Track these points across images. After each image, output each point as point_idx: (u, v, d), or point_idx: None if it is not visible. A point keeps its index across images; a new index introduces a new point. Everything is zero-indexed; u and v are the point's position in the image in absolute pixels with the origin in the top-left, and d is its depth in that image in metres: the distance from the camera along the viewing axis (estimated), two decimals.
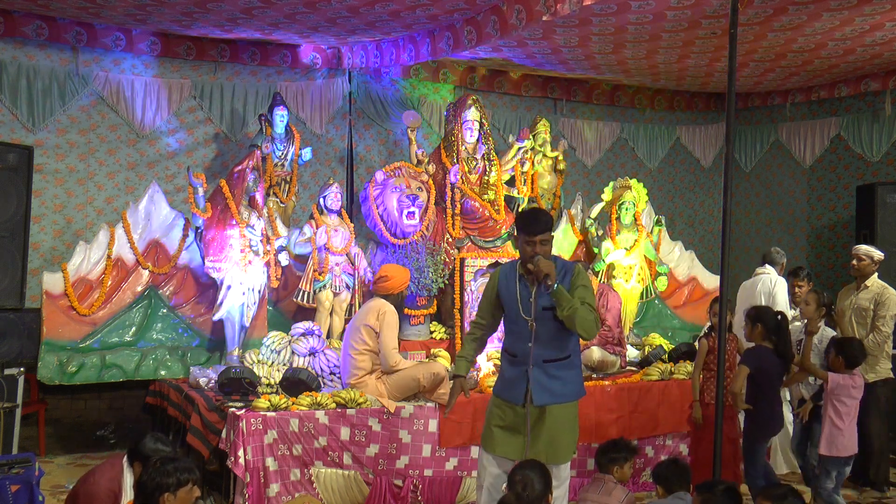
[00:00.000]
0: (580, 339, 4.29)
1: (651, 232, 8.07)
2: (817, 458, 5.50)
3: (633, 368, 6.90)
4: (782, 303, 6.62)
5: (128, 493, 3.80)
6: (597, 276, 7.87)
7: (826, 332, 5.72)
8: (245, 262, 6.38)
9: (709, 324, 6.20)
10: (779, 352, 5.15)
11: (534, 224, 4.12)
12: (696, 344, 5.83)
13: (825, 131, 9.72)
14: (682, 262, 8.42)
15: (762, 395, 5.15)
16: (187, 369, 6.31)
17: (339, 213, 6.89)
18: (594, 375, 6.52)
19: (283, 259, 6.73)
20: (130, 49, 7.62)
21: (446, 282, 6.99)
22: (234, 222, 6.38)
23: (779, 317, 5.22)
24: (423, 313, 6.93)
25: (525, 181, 7.80)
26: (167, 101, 7.85)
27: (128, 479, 3.82)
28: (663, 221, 8.22)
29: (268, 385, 5.87)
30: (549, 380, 4.14)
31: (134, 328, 6.48)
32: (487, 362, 6.43)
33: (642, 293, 7.90)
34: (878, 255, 6.25)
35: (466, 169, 7.31)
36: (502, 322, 4.38)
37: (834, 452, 5.16)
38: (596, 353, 6.66)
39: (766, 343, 5.17)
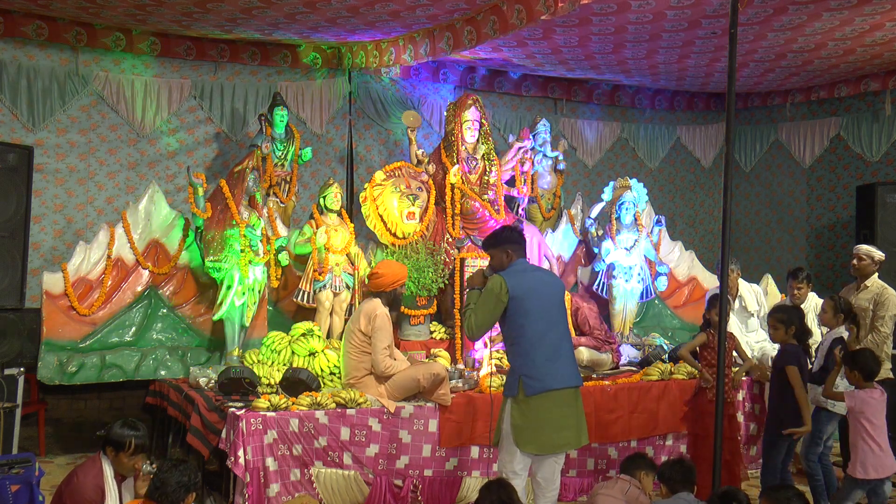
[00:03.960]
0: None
1: (651, 232, 8.07)
2: (810, 465, 5.50)
3: (633, 368, 6.90)
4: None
5: (110, 486, 3.83)
6: (596, 276, 7.89)
7: (833, 334, 5.66)
8: (245, 262, 6.38)
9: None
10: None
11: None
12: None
13: (825, 131, 9.73)
14: (682, 262, 8.42)
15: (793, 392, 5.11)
16: (187, 369, 6.31)
17: (339, 213, 6.89)
18: (594, 375, 6.52)
19: (283, 259, 6.73)
20: (130, 49, 7.62)
21: (446, 282, 6.99)
22: (234, 222, 6.38)
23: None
24: (423, 313, 6.93)
25: (525, 181, 7.80)
26: (167, 100, 7.85)
27: (108, 473, 3.86)
28: (663, 221, 8.22)
29: (268, 385, 5.87)
30: None
31: (134, 328, 6.48)
32: (490, 360, 6.43)
33: (642, 293, 7.90)
34: (878, 255, 6.25)
35: (466, 169, 7.31)
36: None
37: (872, 475, 4.81)
38: (584, 353, 6.67)
39: (793, 340, 5.18)
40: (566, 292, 6.89)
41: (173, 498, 3.40)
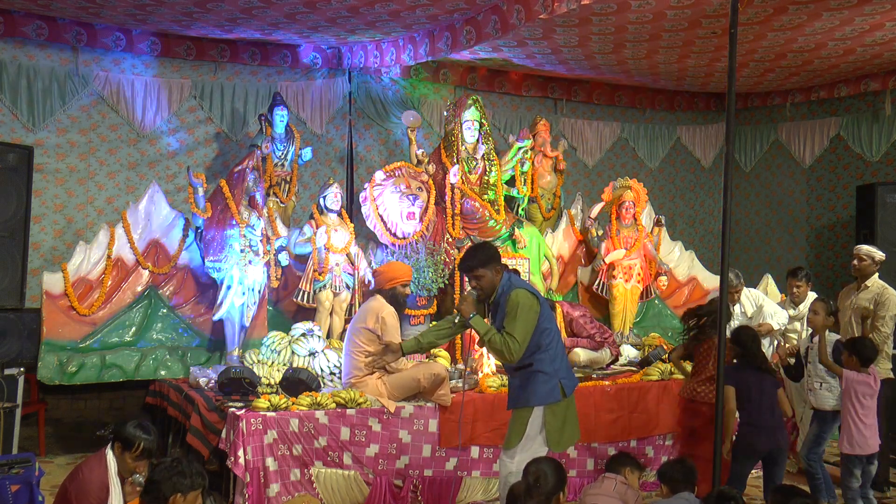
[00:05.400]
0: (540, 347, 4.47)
1: (651, 232, 8.07)
2: (813, 463, 5.51)
3: (633, 368, 6.90)
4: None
5: (115, 483, 3.81)
6: (596, 276, 7.88)
7: (829, 337, 5.69)
8: (245, 262, 6.38)
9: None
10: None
11: (461, 265, 4.67)
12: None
13: (825, 131, 9.73)
14: (682, 262, 8.42)
15: (742, 411, 5.14)
16: (187, 369, 6.31)
17: (339, 213, 6.90)
18: (594, 375, 6.52)
19: (283, 259, 6.73)
20: (130, 49, 7.62)
21: (446, 282, 6.99)
22: (234, 222, 6.38)
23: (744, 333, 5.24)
24: (423, 313, 6.93)
25: (525, 181, 7.80)
26: (167, 100, 7.85)
27: (113, 469, 3.83)
28: (663, 221, 8.22)
29: (268, 385, 5.87)
30: (512, 387, 4.61)
31: (134, 328, 6.48)
32: (489, 360, 6.43)
33: (642, 293, 7.91)
34: (879, 255, 6.25)
35: (466, 169, 7.31)
36: None
37: (857, 451, 5.19)
38: (581, 354, 6.70)
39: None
40: (556, 303, 6.99)
41: (156, 495, 3.35)
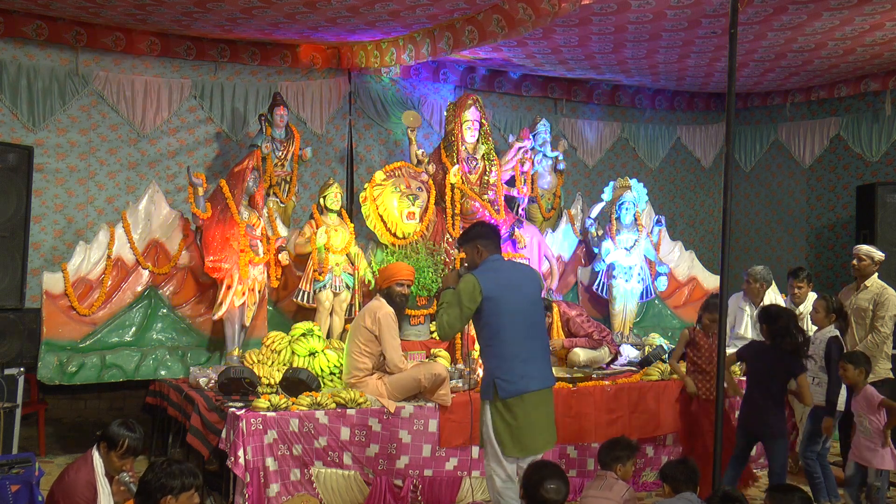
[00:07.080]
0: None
1: (651, 232, 8.08)
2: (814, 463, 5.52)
3: (633, 368, 6.90)
4: None
5: (102, 483, 3.79)
6: (596, 276, 7.88)
7: (823, 334, 5.68)
8: (245, 262, 6.38)
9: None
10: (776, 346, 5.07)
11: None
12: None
13: (825, 131, 9.73)
14: (682, 262, 8.42)
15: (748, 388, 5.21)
16: (187, 369, 6.31)
17: (339, 213, 6.90)
18: (594, 375, 6.52)
19: (283, 259, 6.73)
20: (130, 49, 7.62)
21: None
22: (234, 222, 6.38)
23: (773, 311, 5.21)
24: (423, 313, 6.93)
25: (525, 181, 7.80)
26: (167, 100, 7.86)
27: (99, 470, 3.82)
28: (663, 221, 8.22)
29: (268, 385, 5.87)
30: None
31: (134, 328, 6.47)
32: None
33: (642, 293, 7.91)
34: (878, 255, 6.25)
35: (466, 169, 7.31)
36: None
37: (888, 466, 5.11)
38: (581, 354, 6.70)
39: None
40: (553, 303, 6.97)
41: (147, 496, 3.34)
